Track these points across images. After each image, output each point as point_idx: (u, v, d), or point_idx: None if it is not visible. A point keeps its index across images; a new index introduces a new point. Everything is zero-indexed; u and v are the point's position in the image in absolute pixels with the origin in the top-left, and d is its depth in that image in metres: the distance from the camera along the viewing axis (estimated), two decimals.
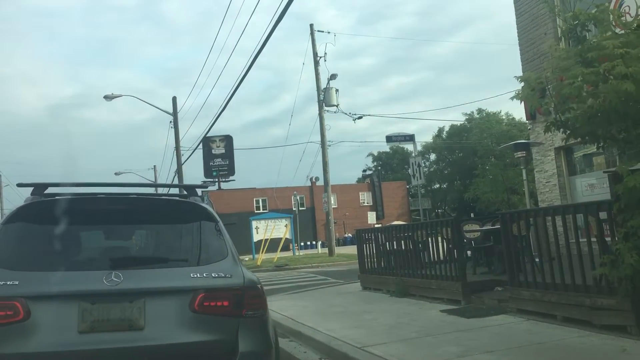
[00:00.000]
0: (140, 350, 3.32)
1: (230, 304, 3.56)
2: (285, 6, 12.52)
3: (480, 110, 75.29)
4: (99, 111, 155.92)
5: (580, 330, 6.01)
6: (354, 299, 10.77)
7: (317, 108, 29.86)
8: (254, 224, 32.47)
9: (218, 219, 4.14)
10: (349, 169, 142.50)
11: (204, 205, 4.24)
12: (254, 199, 64.18)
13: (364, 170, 79.65)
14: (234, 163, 69.60)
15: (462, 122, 76.19)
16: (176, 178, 35.96)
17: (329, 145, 30.06)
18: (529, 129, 12.21)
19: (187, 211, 4.18)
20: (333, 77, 28.30)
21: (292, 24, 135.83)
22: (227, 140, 70.04)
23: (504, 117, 72.60)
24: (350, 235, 66.10)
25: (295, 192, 31.24)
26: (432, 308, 8.51)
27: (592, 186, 11.30)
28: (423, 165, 13.95)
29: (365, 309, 9.23)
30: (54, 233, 3.61)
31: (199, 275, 3.59)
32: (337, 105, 29.90)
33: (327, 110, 30.02)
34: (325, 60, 29.15)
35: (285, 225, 32.41)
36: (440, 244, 9.84)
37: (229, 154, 69.68)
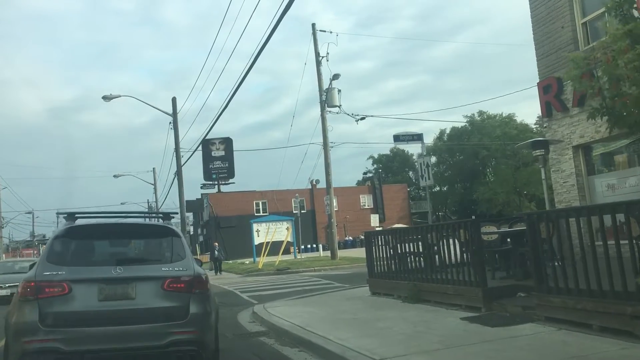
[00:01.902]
0: (133, 311, 5.49)
1: (185, 286, 5.73)
2: (285, 9, 12.28)
3: (481, 113, 74.94)
4: (98, 114, 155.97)
5: (622, 342, 5.46)
6: (364, 304, 10.21)
7: (319, 109, 29.36)
8: (255, 226, 31.92)
9: (181, 234, 6.37)
10: (349, 171, 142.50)
11: (172, 227, 6.55)
12: (254, 202, 63.57)
13: (365, 173, 79.11)
14: (233, 166, 69.29)
15: (463, 125, 75.73)
16: (176, 180, 35.49)
17: (331, 147, 29.52)
18: (545, 126, 11.69)
19: (161, 231, 6.53)
20: (335, 77, 27.79)
21: (291, 28, 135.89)
22: (227, 142, 69.71)
23: (514, 119, 71.94)
24: (351, 238, 65.45)
25: (297, 195, 30.61)
26: (450, 315, 7.96)
27: (612, 186, 10.77)
28: (430, 165, 13.46)
29: (378, 315, 8.67)
30: (82, 244, 6.09)
31: (167, 269, 5.79)
32: (339, 106, 29.39)
33: (329, 111, 29.51)
34: (327, 60, 28.64)
35: (287, 228, 31.87)
36: (455, 247, 9.28)
37: (228, 156, 69.38)
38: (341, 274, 21.13)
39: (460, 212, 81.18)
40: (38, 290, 5.38)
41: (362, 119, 29.83)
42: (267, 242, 28.89)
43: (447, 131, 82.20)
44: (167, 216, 7.45)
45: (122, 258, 6.04)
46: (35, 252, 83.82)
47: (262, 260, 27.44)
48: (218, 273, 27.11)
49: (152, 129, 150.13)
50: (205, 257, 57.76)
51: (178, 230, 6.51)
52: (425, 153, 13.06)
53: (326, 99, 29.03)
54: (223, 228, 60.10)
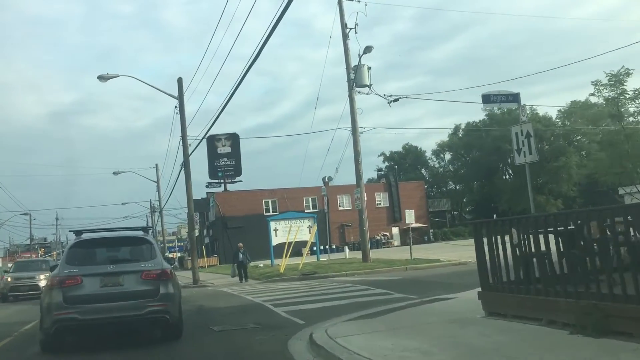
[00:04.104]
0: (122, 293, 8.30)
1: (156, 275, 8.54)
2: (283, 9, 11.99)
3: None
4: (99, 117, 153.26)
5: None
6: (503, 336, 6.37)
7: (347, 89, 25.59)
8: (273, 225, 28.13)
9: (154, 242, 9.63)
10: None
11: (147, 237, 9.58)
12: (263, 201, 59.70)
13: (379, 170, 75.07)
14: (240, 163, 65.38)
15: (482, 119, 71.84)
16: (180, 177, 31.68)
17: (361, 133, 25.68)
18: None
19: (140, 240, 9.40)
20: (367, 49, 23.89)
21: (290, 32, 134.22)
22: (233, 138, 65.78)
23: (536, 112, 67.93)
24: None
25: (323, 187, 26.78)
26: None
27: None
28: (533, 135, 9.73)
29: None
30: (88, 251, 9.13)
31: (144, 266, 8.62)
32: (369, 86, 25.58)
33: (359, 92, 25.70)
34: (356, 33, 24.84)
35: (309, 227, 28.02)
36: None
37: (235, 153, 65.47)
38: (388, 280, 17.31)
39: (478, 211, 77.17)
40: (62, 281, 8.28)
41: (396, 100, 25.96)
42: (290, 243, 25.01)
43: (462, 126, 78.50)
44: (145, 229, 10.19)
45: (114, 259, 8.95)
46: (34, 256, 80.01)
47: (285, 263, 23.61)
48: (243, 280, 22.61)
49: (154, 132, 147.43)
50: (213, 260, 54.12)
51: (152, 239, 9.76)
52: (525, 119, 9.45)
53: (355, 78, 25.25)
54: (230, 229, 56.30)
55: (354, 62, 25.54)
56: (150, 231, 11.33)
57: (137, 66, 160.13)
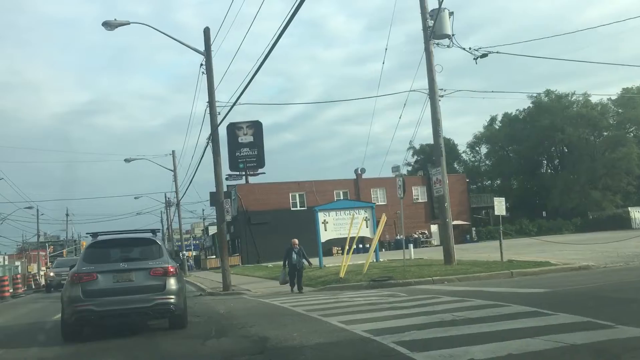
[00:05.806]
0: (133, 287, 9.57)
1: (162, 272, 9.82)
2: (295, 9, 11.15)
3: (548, 92, 64.73)
4: (113, 117, 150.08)
5: None
6: None
7: (423, 41, 19.85)
8: (321, 216, 22.36)
9: (161, 243, 10.87)
10: (383, 165, 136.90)
11: (154, 238, 10.85)
12: (290, 194, 54.00)
13: (408, 164, 68.94)
14: (263, 153, 59.59)
15: (528, 106, 65.49)
16: (198, 165, 26.15)
17: (441, 96, 19.86)
18: None
19: (149, 241, 10.72)
20: None
21: (300, 31, 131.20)
22: (256, 127, 59.89)
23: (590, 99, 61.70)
24: (403, 236, 55.54)
25: (396, 168, 20.97)
26: None
27: None
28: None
29: None
30: (103, 250, 10.43)
31: (152, 263, 9.91)
32: (451, 36, 19.80)
33: (438, 44, 19.92)
34: None
35: (366, 219, 22.22)
36: None
37: (258, 142, 59.56)
38: (534, 294, 11.45)
39: (521, 208, 70.59)
40: (80, 278, 9.53)
41: (484, 55, 20.16)
42: (352, 238, 19.21)
43: (499, 117, 72.30)
44: (153, 232, 11.63)
45: (126, 258, 10.11)
46: (43, 253, 75.11)
47: (346, 264, 17.78)
48: (295, 288, 16.54)
49: (169, 132, 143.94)
50: (235, 259, 48.54)
51: (159, 240, 10.99)
52: None
53: (433, 26, 19.49)
54: (254, 225, 50.79)
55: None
56: (158, 233, 12.39)
57: (153, 65, 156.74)
